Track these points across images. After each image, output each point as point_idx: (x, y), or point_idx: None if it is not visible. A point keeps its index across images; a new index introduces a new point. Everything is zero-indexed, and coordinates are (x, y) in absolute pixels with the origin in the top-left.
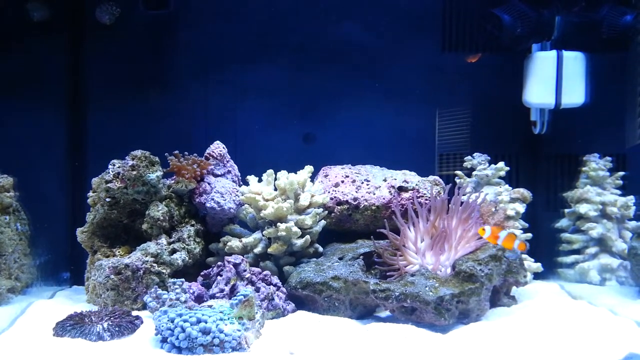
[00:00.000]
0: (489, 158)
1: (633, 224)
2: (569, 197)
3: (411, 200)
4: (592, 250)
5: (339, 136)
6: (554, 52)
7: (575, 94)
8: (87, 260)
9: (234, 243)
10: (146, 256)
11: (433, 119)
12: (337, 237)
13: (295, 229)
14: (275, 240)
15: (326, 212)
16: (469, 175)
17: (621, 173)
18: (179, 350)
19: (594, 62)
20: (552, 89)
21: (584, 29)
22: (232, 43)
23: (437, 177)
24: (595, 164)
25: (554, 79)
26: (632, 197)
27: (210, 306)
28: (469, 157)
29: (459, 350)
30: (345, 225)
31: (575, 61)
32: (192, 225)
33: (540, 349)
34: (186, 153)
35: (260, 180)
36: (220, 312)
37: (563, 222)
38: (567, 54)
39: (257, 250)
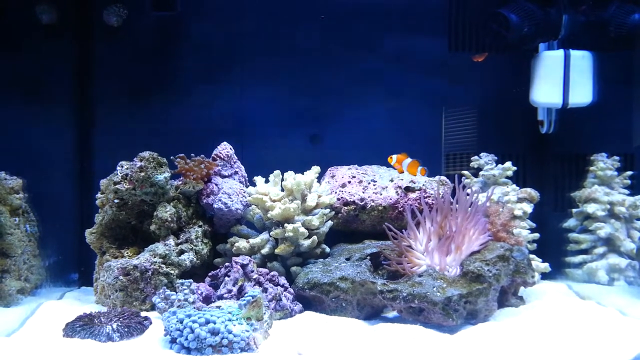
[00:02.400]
0: (495, 158)
1: None
2: (577, 196)
3: (418, 201)
4: (600, 250)
5: (346, 137)
6: (561, 52)
7: (582, 93)
8: (96, 261)
9: (242, 244)
10: (154, 257)
11: (439, 118)
12: (344, 238)
13: (302, 229)
14: (282, 241)
15: (333, 212)
16: (475, 175)
17: (629, 172)
18: (188, 350)
19: (602, 61)
20: (560, 89)
21: (592, 28)
22: (239, 44)
23: (444, 177)
24: (603, 164)
25: (562, 78)
26: None
27: (218, 307)
28: (476, 157)
29: (467, 351)
30: (352, 225)
31: (582, 60)
32: (200, 226)
33: (549, 350)
34: (193, 155)
35: (267, 181)
36: (229, 312)
37: (571, 222)
38: (574, 53)
39: (265, 251)
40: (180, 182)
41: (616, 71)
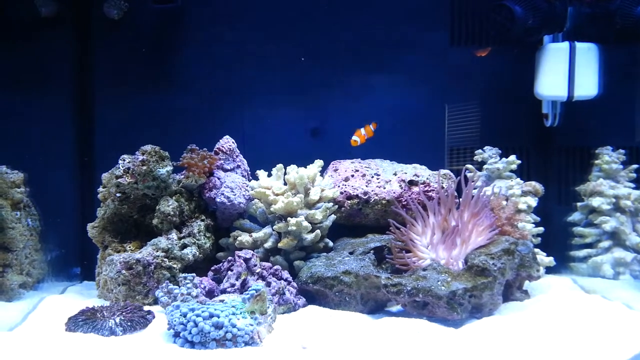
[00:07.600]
0: (500, 151)
1: None
2: (582, 190)
3: (423, 194)
4: (605, 244)
5: (349, 130)
6: (566, 44)
7: (587, 86)
8: (98, 256)
9: (244, 238)
10: (157, 251)
11: (443, 112)
12: (347, 232)
13: (305, 223)
14: (285, 235)
15: (336, 206)
16: (479, 169)
17: (635, 166)
18: (192, 344)
19: (607, 53)
20: (565, 81)
21: (597, 20)
22: (240, 37)
23: (448, 171)
24: (609, 157)
25: (567, 71)
26: None
27: (222, 301)
28: (480, 151)
29: (472, 345)
30: (355, 219)
31: (588, 53)
32: (202, 220)
33: (554, 344)
34: (197, 148)
35: (270, 175)
36: (233, 306)
37: (576, 216)
38: (579, 46)
39: (268, 245)
40: (183, 176)
41: (622, 63)
